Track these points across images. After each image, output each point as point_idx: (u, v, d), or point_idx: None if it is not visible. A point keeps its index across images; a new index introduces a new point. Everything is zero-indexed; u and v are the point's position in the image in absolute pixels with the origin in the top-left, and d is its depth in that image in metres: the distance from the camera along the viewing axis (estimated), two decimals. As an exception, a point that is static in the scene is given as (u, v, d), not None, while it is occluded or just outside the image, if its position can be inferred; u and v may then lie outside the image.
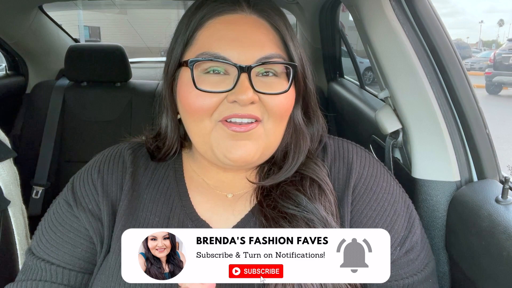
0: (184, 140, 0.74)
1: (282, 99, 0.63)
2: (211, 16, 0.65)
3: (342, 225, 0.65)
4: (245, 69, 0.60)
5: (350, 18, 1.17)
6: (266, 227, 0.63)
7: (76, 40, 2.41)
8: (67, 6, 2.27)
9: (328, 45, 1.96)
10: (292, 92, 0.66)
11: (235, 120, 0.62)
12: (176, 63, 0.67)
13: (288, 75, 0.64)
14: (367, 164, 0.71)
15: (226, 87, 0.61)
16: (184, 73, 0.64)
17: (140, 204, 0.69)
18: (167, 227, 0.67)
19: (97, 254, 0.69)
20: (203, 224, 0.67)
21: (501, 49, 12.46)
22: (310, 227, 0.62)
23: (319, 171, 0.68)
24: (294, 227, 0.62)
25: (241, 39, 0.62)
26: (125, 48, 2.00)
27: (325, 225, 0.62)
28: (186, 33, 0.66)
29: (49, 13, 2.13)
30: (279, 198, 0.65)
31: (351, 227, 0.67)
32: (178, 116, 0.70)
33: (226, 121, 0.62)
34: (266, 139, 0.64)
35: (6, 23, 1.83)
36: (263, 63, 0.61)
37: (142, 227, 0.67)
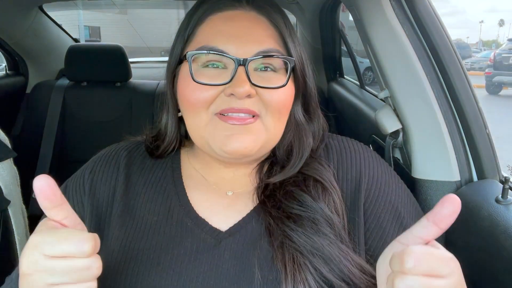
0: (185, 139, 0.75)
1: (280, 94, 0.64)
2: (211, 12, 0.66)
3: (353, 228, 0.66)
4: (242, 62, 0.61)
5: (350, 18, 1.17)
6: (272, 227, 0.63)
7: (76, 40, 2.41)
8: (67, 6, 2.27)
9: (328, 45, 1.96)
10: (290, 88, 0.66)
11: (232, 114, 0.62)
12: (176, 60, 0.68)
13: (287, 71, 0.65)
14: (375, 165, 0.71)
15: (224, 80, 0.61)
16: (184, 68, 0.65)
17: (137, 203, 0.69)
18: (165, 225, 0.67)
19: None
20: (202, 222, 0.67)
21: (501, 49, 12.46)
22: (316, 225, 0.62)
23: (322, 171, 0.68)
24: (300, 227, 0.62)
25: (239, 33, 0.63)
26: (125, 48, 2.00)
27: (330, 224, 0.62)
28: (186, 30, 0.67)
29: (49, 13, 2.13)
30: (283, 198, 0.66)
31: (366, 231, 0.67)
32: (179, 114, 0.70)
33: (223, 115, 0.63)
34: (266, 134, 0.64)
35: (6, 23, 1.83)
36: (260, 57, 0.62)
37: (140, 225, 0.67)
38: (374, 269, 0.60)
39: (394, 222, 0.67)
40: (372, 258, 0.66)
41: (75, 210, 0.68)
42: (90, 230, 0.68)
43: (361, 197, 0.68)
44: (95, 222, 0.68)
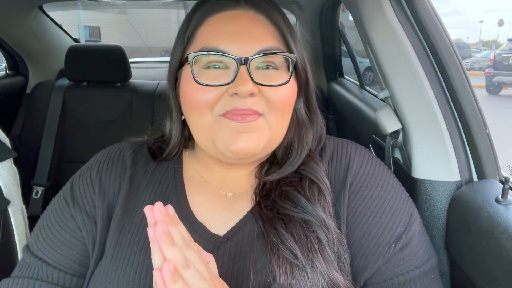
0: (188, 140, 0.75)
1: (284, 92, 0.63)
2: (210, 13, 0.66)
3: (339, 225, 0.65)
4: (243, 61, 0.60)
5: (350, 18, 1.17)
6: (262, 229, 0.63)
7: (76, 40, 2.41)
8: (67, 6, 2.28)
9: (328, 45, 1.96)
10: (293, 85, 0.66)
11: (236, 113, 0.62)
12: (177, 63, 0.68)
13: (288, 68, 0.65)
14: (364, 163, 0.70)
15: (226, 80, 0.61)
16: (186, 70, 0.65)
17: (137, 206, 0.69)
18: None
19: (89, 257, 0.68)
20: (200, 227, 0.66)
21: (501, 49, 12.45)
22: (305, 229, 0.62)
23: (318, 170, 0.68)
24: (290, 230, 0.62)
25: (239, 33, 0.63)
26: (125, 48, 2.00)
27: (323, 226, 0.62)
28: (186, 32, 0.67)
29: (49, 13, 2.13)
30: (278, 198, 0.65)
31: (347, 226, 0.66)
32: (183, 117, 0.70)
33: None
34: (269, 132, 0.64)
35: (6, 23, 1.83)
36: (262, 55, 0.62)
37: (138, 228, 0.67)
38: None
39: (371, 217, 0.66)
40: (350, 253, 0.65)
41: (86, 210, 0.69)
42: (101, 232, 0.68)
43: (346, 194, 0.67)
44: (107, 225, 0.68)
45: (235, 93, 0.60)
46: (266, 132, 0.64)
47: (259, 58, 0.62)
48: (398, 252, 0.65)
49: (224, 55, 0.61)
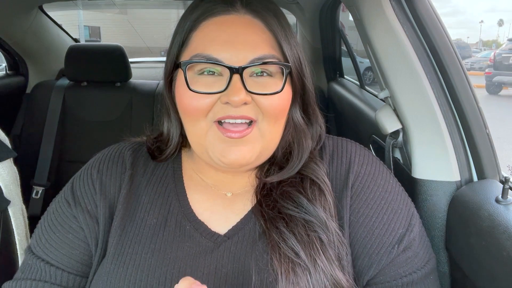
0: (186, 139, 0.75)
1: (276, 99, 0.63)
2: (205, 17, 0.65)
3: (341, 226, 0.65)
4: (237, 70, 0.60)
5: (350, 18, 1.17)
6: (264, 228, 0.63)
7: (76, 40, 2.41)
8: (67, 6, 2.27)
9: (328, 45, 1.96)
10: (287, 92, 0.65)
11: (229, 121, 0.62)
12: (172, 64, 0.67)
13: (283, 75, 0.64)
14: (365, 163, 0.71)
15: (219, 88, 0.61)
16: (180, 74, 0.65)
17: (138, 205, 0.69)
18: (164, 228, 0.67)
19: (92, 256, 0.69)
20: (201, 225, 0.67)
21: (501, 49, 12.46)
22: (306, 229, 0.62)
23: (318, 171, 0.68)
24: (291, 229, 0.62)
25: (233, 40, 0.62)
26: (125, 48, 2.00)
27: (325, 226, 0.62)
28: (181, 34, 0.66)
29: (49, 13, 2.13)
30: (279, 198, 0.65)
31: (349, 226, 0.66)
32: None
33: (220, 122, 0.62)
34: (262, 141, 0.64)
35: (6, 23, 1.83)
36: (255, 64, 0.61)
37: (139, 228, 0.67)
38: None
39: (374, 217, 0.66)
40: (353, 252, 0.66)
41: (88, 210, 0.69)
42: (104, 231, 0.68)
43: (348, 195, 0.68)
44: (109, 224, 0.68)
45: (228, 102, 0.60)
46: (259, 143, 0.64)
47: (252, 66, 0.62)
48: (401, 253, 0.65)
49: (217, 64, 0.61)
